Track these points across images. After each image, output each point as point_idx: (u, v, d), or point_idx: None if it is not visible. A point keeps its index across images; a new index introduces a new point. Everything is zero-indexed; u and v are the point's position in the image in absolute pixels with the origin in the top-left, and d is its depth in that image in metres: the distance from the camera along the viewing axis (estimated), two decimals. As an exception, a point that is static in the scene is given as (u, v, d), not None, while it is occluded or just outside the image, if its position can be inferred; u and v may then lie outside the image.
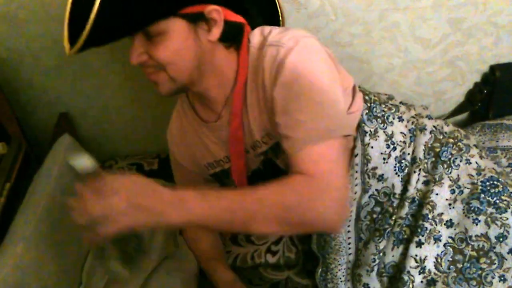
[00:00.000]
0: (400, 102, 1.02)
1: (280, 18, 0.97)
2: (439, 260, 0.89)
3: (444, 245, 0.89)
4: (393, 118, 0.95)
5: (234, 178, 0.95)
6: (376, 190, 0.93)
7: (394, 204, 0.93)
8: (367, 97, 0.95)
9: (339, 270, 1.00)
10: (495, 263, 0.86)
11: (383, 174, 0.92)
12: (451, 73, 1.27)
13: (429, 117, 1.00)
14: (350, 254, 0.99)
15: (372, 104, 0.94)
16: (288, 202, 0.72)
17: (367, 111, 0.92)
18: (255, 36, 0.85)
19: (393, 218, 0.93)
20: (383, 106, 0.96)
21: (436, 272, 0.88)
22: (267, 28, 0.86)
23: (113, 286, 1.02)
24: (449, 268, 0.88)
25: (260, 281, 1.13)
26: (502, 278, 0.85)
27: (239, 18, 0.84)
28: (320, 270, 1.02)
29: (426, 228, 0.89)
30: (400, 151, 0.93)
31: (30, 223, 0.96)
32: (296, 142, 0.77)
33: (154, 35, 0.76)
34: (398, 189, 0.92)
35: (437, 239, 0.89)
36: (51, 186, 1.05)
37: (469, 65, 1.25)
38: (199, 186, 1.08)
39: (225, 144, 0.94)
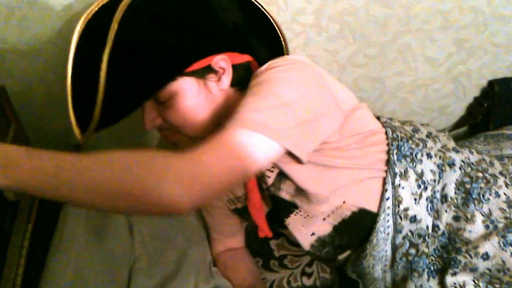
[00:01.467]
0: (426, 135, 1.01)
1: (283, 43, 0.97)
2: (476, 281, 0.86)
3: (481, 274, 0.87)
4: (422, 155, 0.93)
5: (253, 216, 0.94)
6: (410, 231, 0.91)
7: (429, 245, 0.92)
8: (395, 135, 0.93)
9: None
10: None
11: (415, 216, 0.90)
12: (454, 89, 1.36)
13: (456, 150, 0.99)
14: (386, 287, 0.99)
15: (400, 142, 0.92)
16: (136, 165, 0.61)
17: (396, 151, 0.90)
18: None
19: (429, 257, 0.93)
20: (411, 142, 0.94)
21: None
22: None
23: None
24: None
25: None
26: None
27: (245, 58, 0.84)
28: None
29: (461, 261, 0.88)
30: (431, 190, 0.91)
31: (68, 268, 0.91)
32: (231, 121, 0.70)
33: (164, 100, 0.75)
34: (431, 229, 0.91)
35: (473, 270, 0.88)
36: (82, 226, 0.99)
37: (470, 81, 1.35)
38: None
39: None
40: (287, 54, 0.98)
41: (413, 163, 0.91)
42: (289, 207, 0.91)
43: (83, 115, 0.75)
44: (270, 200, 0.93)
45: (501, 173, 0.98)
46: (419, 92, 1.35)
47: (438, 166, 0.93)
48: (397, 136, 0.92)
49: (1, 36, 1.02)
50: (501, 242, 0.87)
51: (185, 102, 0.75)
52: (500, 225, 0.89)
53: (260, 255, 1.20)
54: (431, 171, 0.92)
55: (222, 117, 0.78)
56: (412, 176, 0.90)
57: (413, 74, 1.30)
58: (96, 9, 0.77)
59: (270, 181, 0.87)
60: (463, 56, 1.28)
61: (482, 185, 0.93)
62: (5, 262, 0.94)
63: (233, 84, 0.80)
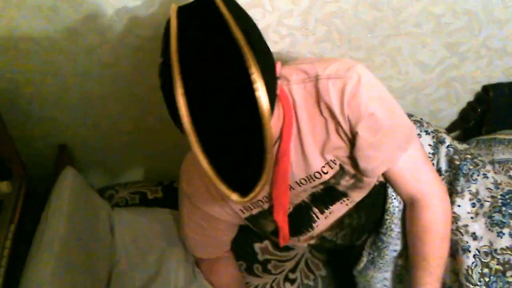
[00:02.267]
0: (421, 118, 1.08)
1: None
2: (470, 272, 0.89)
3: (474, 256, 0.90)
4: (420, 131, 1.02)
5: (277, 218, 0.93)
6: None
7: None
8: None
9: None
10: None
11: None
12: (447, 94, 1.33)
13: (446, 133, 1.06)
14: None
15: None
16: (442, 238, 0.88)
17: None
18: (287, 72, 0.86)
19: None
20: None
21: (468, 284, 0.88)
22: (294, 64, 0.87)
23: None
24: (479, 281, 0.88)
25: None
26: None
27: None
28: None
29: (451, 239, 0.91)
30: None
31: (46, 267, 0.91)
32: (383, 163, 0.87)
33: None
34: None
35: (466, 250, 0.90)
36: (63, 226, 1.00)
37: (464, 85, 1.32)
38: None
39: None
40: None
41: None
42: (340, 196, 0.94)
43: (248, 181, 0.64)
44: (323, 191, 0.93)
45: (489, 162, 1.04)
46: (409, 97, 1.32)
47: (433, 143, 1.02)
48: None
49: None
50: (487, 223, 0.91)
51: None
52: (487, 204, 0.93)
53: (243, 258, 1.19)
54: (429, 145, 1.01)
55: None
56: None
57: (403, 78, 1.27)
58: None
59: (327, 176, 0.89)
60: (456, 60, 1.25)
61: (471, 166, 0.98)
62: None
63: None
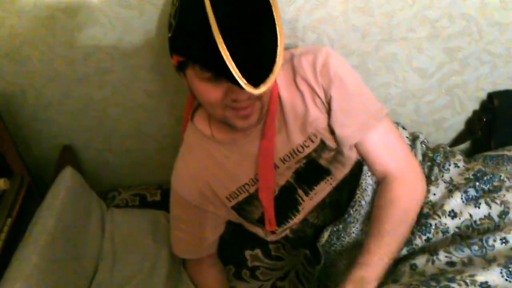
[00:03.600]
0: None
1: None
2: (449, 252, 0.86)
3: (452, 235, 0.89)
4: (398, 126, 1.09)
5: (262, 198, 0.96)
6: None
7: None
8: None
9: None
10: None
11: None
12: (450, 102, 1.28)
13: (419, 132, 1.15)
14: None
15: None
16: (402, 218, 0.89)
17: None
18: None
19: None
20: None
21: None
22: None
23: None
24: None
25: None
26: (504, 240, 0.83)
27: None
28: None
29: (431, 224, 0.90)
30: None
31: (29, 260, 0.96)
32: (356, 132, 0.92)
33: None
34: None
35: (445, 232, 0.90)
36: (53, 222, 1.05)
37: (467, 93, 1.26)
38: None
39: (252, 162, 0.96)
40: None
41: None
42: (323, 174, 0.97)
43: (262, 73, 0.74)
44: (306, 165, 0.96)
45: (460, 153, 1.09)
46: (410, 104, 1.28)
47: (409, 138, 1.11)
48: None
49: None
50: (463, 198, 0.93)
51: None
52: (461, 186, 0.95)
53: (233, 263, 1.20)
54: (406, 137, 1.10)
55: None
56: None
57: (400, 85, 1.24)
58: None
59: (309, 150, 0.95)
60: (456, 66, 1.21)
61: (442, 159, 1.04)
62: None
63: None
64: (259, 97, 0.83)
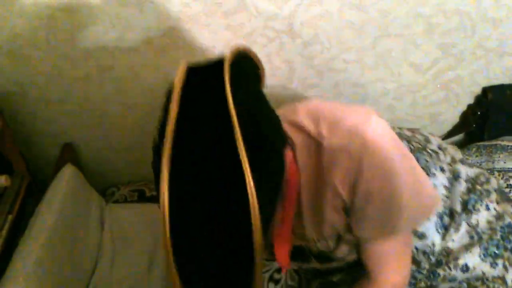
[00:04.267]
0: (438, 147, 0.96)
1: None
2: None
3: (459, 282, 0.86)
4: (435, 169, 0.89)
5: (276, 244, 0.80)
6: (415, 247, 0.87)
7: (429, 263, 0.89)
8: (412, 146, 0.89)
9: None
10: None
11: (424, 232, 0.87)
12: (445, 96, 1.30)
13: (462, 161, 0.95)
14: None
15: (415, 154, 0.87)
16: None
17: None
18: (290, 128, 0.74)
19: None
20: (425, 154, 0.89)
21: None
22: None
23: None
24: None
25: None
26: None
27: None
28: None
29: (439, 274, 0.86)
30: (443, 206, 0.87)
31: (31, 256, 0.98)
32: (373, 235, 0.75)
33: None
34: (438, 248, 0.87)
35: (452, 280, 0.86)
36: (53, 219, 1.06)
37: (462, 87, 1.28)
38: None
39: None
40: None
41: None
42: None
43: None
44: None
45: (495, 190, 0.94)
46: (406, 99, 1.30)
47: (448, 180, 0.89)
48: (414, 146, 0.88)
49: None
50: (481, 254, 0.86)
51: None
52: (485, 237, 0.87)
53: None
54: (444, 186, 0.88)
55: None
56: None
57: (396, 80, 1.26)
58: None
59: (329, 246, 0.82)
60: (451, 61, 1.23)
61: (476, 197, 0.89)
62: (-18, 249, 1.03)
63: None
64: None
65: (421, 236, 0.87)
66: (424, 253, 0.88)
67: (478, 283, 0.85)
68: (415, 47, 1.20)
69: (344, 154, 0.68)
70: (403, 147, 0.72)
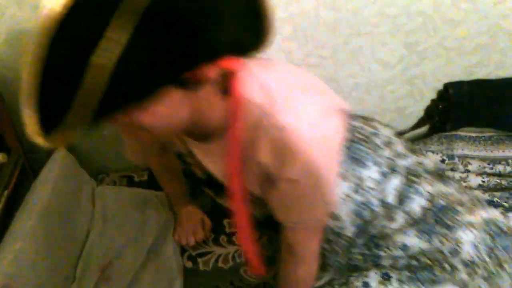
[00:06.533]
0: (384, 142, 0.99)
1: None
2: (396, 263, 0.94)
3: (401, 257, 0.94)
4: (370, 162, 0.93)
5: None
6: (328, 226, 0.94)
7: (344, 245, 0.97)
8: (353, 137, 0.94)
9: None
10: (448, 271, 0.90)
11: (338, 213, 0.93)
12: (410, 91, 1.43)
13: (405, 156, 0.99)
14: None
15: (354, 143, 0.93)
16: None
17: (345, 151, 0.90)
18: (254, 89, 0.79)
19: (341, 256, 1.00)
20: (365, 146, 0.93)
21: (392, 269, 0.94)
22: (268, 87, 0.79)
23: (104, 283, 1.11)
24: (403, 270, 0.93)
25: (240, 283, 1.20)
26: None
27: (231, 64, 0.72)
28: None
29: (380, 255, 0.95)
30: (366, 198, 0.92)
31: (28, 223, 1.06)
32: (286, 223, 0.89)
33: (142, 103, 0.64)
34: (350, 233, 0.95)
35: (395, 258, 0.94)
36: (48, 192, 1.15)
37: (426, 83, 1.41)
38: None
39: (188, 153, 0.93)
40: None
41: (358, 167, 0.91)
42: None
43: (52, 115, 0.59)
44: None
45: (428, 172, 1.00)
46: (374, 93, 1.42)
47: (383, 173, 0.93)
48: (355, 137, 0.94)
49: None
50: (417, 234, 0.92)
51: (163, 109, 0.66)
52: (419, 221, 0.93)
53: (212, 231, 1.30)
54: (373, 180, 0.93)
55: (193, 118, 0.74)
56: (351, 179, 0.91)
57: (366, 75, 1.38)
58: None
59: None
60: (415, 59, 1.36)
61: (409, 187, 0.94)
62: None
63: (213, 91, 0.74)
64: (143, 128, 0.68)
65: (335, 217, 0.92)
66: (334, 233, 0.95)
67: (420, 256, 0.92)
68: (383, 45, 1.32)
69: (278, 133, 0.75)
70: (334, 153, 0.83)
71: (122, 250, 1.18)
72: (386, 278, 0.93)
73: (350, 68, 1.37)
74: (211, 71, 0.67)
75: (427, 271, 0.91)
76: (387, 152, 0.96)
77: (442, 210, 0.93)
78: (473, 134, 1.38)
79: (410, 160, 0.98)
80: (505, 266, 0.89)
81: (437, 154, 1.25)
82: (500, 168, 1.26)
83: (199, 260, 1.24)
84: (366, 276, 0.95)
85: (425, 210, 0.93)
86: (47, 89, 0.57)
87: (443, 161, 1.25)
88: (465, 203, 0.96)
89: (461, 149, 1.33)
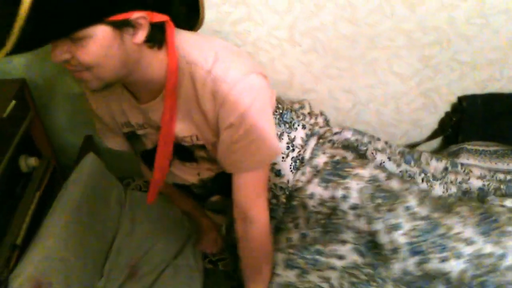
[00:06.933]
0: (308, 113, 1.32)
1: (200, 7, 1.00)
2: (308, 220, 1.13)
3: (310, 211, 1.12)
4: (298, 125, 1.19)
5: (157, 160, 1.03)
6: (274, 184, 1.15)
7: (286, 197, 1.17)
8: (280, 105, 1.18)
9: None
10: (340, 218, 1.08)
11: (280, 170, 1.14)
12: (425, 103, 1.47)
13: (322, 126, 1.29)
14: None
15: (284, 111, 1.17)
16: (258, 248, 1.05)
17: (278, 117, 1.16)
18: (186, 40, 0.92)
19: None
20: (293, 113, 1.20)
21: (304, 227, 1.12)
22: (205, 43, 0.94)
23: (131, 280, 1.16)
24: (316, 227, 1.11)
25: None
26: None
27: (163, 18, 0.85)
28: None
29: (295, 206, 1.13)
30: (297, 152, 1.17)
31: (59, 221, 1.11)
32: (231, 167, 0.99)
33: (78, 39, 0.76)
34: (291, 184, 1.15)
35: (305, 207, 1.13)
36: (78, 192, 1.21)
37: (440, 96, 1.45)
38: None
39: (145, 120, 1.02)
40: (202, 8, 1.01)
41: (289, 130, 1.17)
42: (192, 161, 1.09)
43: None
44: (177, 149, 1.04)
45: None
46: (391, 105, 1.47)
47: (307, 135, 1.21)
48: (283, 106, 1.19)
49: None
50: (318, 182, 1.12)
51: (97, 47, 0.77)
52: (321, 171, 1.14)
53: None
54: (301, 138, 1.19)
55: (132, 66, 0.85)
56: (285, 139, 1.16)
57: (383, 87, 1.43)
58: None
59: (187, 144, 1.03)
60: (430, 73, 1.40)
61: (318, 148, 1.20)
62: (12, 220, 1.16)
63: (146, 40, 0.83)
64: (82, 66, 0.80)
65: (279, 174, 1.14)
66: (281, 188, 1.15)
67: (321, 208, 1.11)
68: (399, 58, 1.38)
69: (216, 81, 0.88)
70: (265, 103, 0.96)
71: (149, 251, 1.23)
72: (303, 236, 1.11)
73: (367, 80, 1.42)
74: (141, 18, 0.79)
75: (329, 221, 1.09)
76: (312, 120, 1.28)
77: (337, 163, 1.14)
78: (479, 148, 1.41)
79: (323, 130, 1.27)
80: (381, 209, 1.05)
81: (441, 161, 1.30)
82: (501, 177, 1.29)
83: (219, 263, 1.29)
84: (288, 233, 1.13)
85: (325, 164, 1.15)
86: None
87: (446, 168, 1.30)
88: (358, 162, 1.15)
89: (466, 159, 1.36)
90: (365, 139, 1.25)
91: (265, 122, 0.95)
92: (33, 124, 1.31)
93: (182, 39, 0.91)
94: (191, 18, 0.98)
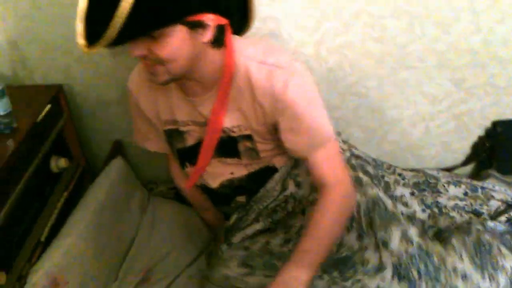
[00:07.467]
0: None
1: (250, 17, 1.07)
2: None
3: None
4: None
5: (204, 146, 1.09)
6: (291, 193, 1.17)
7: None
8: None
9: None
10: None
11: (301, 183, 1.16)
12: (457, 127, 1.42)
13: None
14: None
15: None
16: (336, 219, 1.02)
17: None
18: (238, 41, 1.00)
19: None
20: None
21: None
22: (255, 42, 1.05)
23: (144, 285, 1.19)
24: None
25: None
26: None
27: (224, 21, 0.94)
28: None
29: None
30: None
31: (82, 220, 1.17)
32: (303, 150, 1.04)
33: (157, 36, 0.85)
34: (306, 197, 1.16)
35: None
36: (102, 195, 1.26)
37: (473, 120, 1.40)
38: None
39: (192, 116, 1.08)
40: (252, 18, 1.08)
41: None
42: (234, 156, 1.12)
43: (95, 31, 0.79)
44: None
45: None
46: (420, 126, 1.43)
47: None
48: None
49: (69, 49, 1.36)
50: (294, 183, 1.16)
51: (174, 44, 0.86)
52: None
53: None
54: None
55: (196, 63, 0.94)
56: None
57: (412, 108, 1.39)
58: None
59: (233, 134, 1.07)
60: (463, 95, 1.35)
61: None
62: (39, 217, 1.23)
63: (211, 40, 0.93)
64: (158, 60, 0.88)
65: (298, 185, 1.17)
66: (294, 198, 1.17)
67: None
68: (429, 79, 1.34)
69: (271, 80, 0.97)
70: (314, 84, 1.03)
71: (165, 257, 1.25)
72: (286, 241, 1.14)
73: (396, 99, 1.39)
74: (209, 20, 0.88)
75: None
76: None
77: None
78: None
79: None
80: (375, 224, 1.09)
81: (460, 187, 1.26)
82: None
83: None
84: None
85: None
86: (94, 11, 0.78)
87: (466, 193, 1.26)
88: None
89: (490, 184, 1.30)
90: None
91: (318, 100, 1.03)
92: (66, 127, 1.38)
93: (235, 40, 1.01)
94: (241, 25, 1.08)
